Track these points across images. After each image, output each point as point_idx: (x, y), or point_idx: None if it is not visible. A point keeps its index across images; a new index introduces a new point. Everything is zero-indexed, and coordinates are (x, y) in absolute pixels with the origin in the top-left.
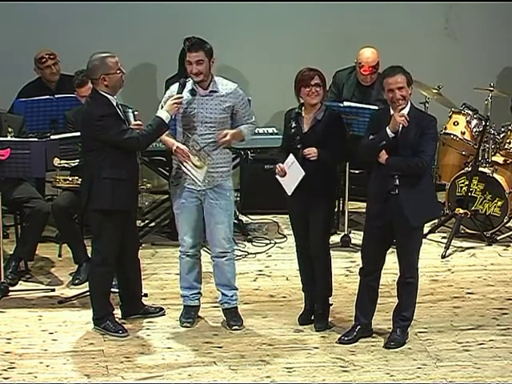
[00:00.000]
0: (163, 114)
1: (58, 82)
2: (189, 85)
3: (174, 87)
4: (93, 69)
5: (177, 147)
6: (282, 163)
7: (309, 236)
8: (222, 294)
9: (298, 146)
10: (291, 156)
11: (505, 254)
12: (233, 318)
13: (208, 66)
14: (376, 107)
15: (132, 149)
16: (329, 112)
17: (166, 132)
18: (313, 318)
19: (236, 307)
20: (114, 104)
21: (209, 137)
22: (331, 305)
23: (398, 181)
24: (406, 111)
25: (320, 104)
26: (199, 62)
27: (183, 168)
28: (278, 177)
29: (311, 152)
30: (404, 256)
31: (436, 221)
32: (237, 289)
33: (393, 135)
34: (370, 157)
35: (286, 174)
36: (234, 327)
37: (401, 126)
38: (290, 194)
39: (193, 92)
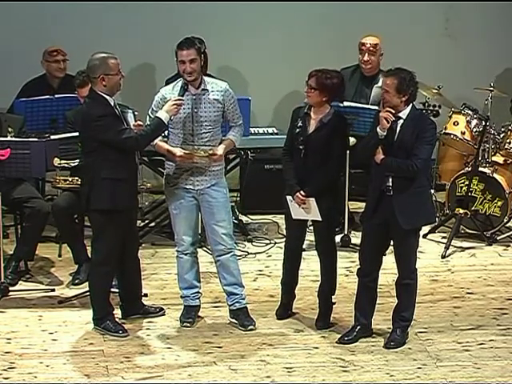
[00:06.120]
0: (162, 114)
1: (61, 80)
2: (179, 84)
3: (164, 90)
4: (93, 68)
5: (179, 156)
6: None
7: (304, 237)
8: (231, 293)
9: (301, 147)
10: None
11: (505, 254)
12: (246, 317)
13: (200, 65)
14: (376, 107)
15: (130, 149)
16: (336, 117)
17: (160, 138)
18: (316, 317)
19: (246, 306)
20: (112, 104)
21: (205, 135)
22: (334, 303)
23: (391, 181)
24: (405, 113)
25: (329, 107)
26: (193, 61)
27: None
28: (288, 198)
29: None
30: (400, 258)
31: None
32: (244, 286)
33: (383, 134)
34: (365, 156)
35: (303, 202)
36: (250, 327)
37: (398, 127)
38: (294, 217)
39: (185, 91)
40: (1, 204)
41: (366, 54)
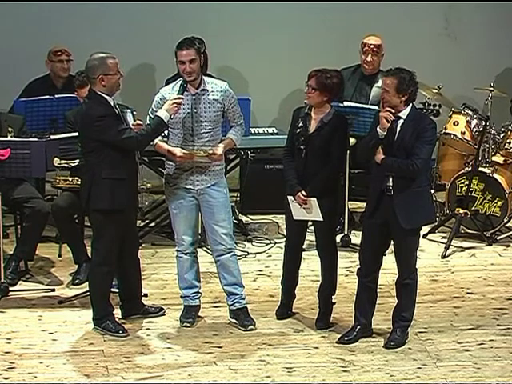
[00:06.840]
0: (162, 113)
1: (65, 80)
2: (179, 84)
3: (164, 90)
4: (92, 68)
5: (179, 156)
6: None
7: (304, 237)
8: (231, 293)
9: (302, 147)
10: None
11: (505, 253)
12: (246, 317)
13: (199, 65)
14: (376, 107)
15: (131, 148)
16: (336, 116)
17: (160, 138)
18: (316, 317)
19: (246, 306)
20: (112, 104)
21: (204, 135)
22: (334, 303)
23: (391, 181)
24: (405, 113)
25: (329, 107)
26: (192, 61)
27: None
28: (289, 198)
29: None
30: (401, 257)
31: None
32: (244, 286)
33: (383, 134)
34: (364, 156)
35: (305, 203)
36: (250, 327)
37: (398, 127)
38: (295, 218)
39: (184, 90)
40: (1, 204)
41: (370, 55)
